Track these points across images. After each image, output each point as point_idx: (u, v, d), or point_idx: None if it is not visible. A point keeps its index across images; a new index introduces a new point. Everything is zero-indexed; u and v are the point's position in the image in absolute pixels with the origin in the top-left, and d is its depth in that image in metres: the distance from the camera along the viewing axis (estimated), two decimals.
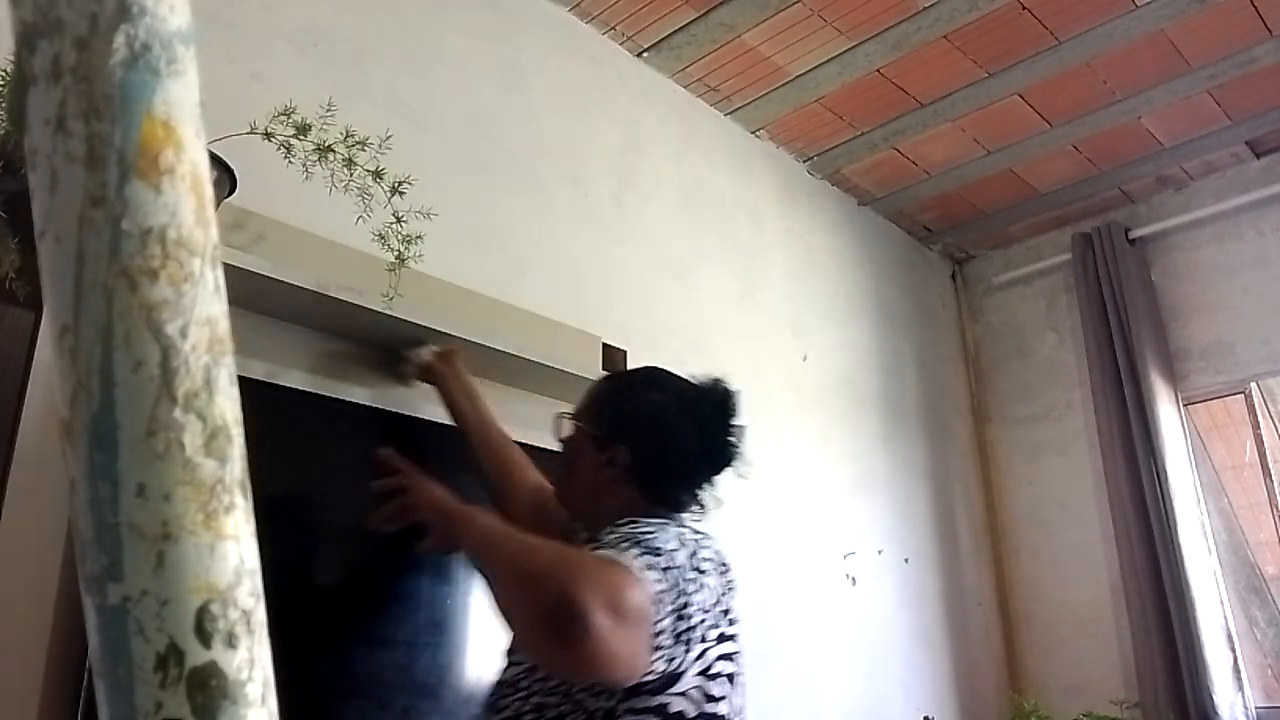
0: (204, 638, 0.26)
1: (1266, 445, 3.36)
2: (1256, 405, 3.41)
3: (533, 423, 2.14)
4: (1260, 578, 3.37)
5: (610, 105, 2.75)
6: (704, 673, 1.09)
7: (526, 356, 1.98)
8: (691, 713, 1.07)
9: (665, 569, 1.03)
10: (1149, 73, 3.01)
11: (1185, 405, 3.45)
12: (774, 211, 3.24)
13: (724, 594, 1.15)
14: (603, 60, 2.77)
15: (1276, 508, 3.28)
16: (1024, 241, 4.00)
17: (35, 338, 1.43)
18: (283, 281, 1.59)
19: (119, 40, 0.27)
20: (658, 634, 1.00)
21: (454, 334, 1.84)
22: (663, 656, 1.02)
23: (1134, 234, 3.63)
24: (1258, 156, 3.48)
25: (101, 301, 0.26)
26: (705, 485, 1.36)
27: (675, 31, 2.76)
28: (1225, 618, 3.16)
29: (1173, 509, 3.19)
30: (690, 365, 2.67)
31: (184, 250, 0.27)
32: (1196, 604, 3.10)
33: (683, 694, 1.07)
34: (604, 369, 2.31)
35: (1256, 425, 3.39)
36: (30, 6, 0.27)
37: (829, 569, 2.94)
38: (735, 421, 1.37)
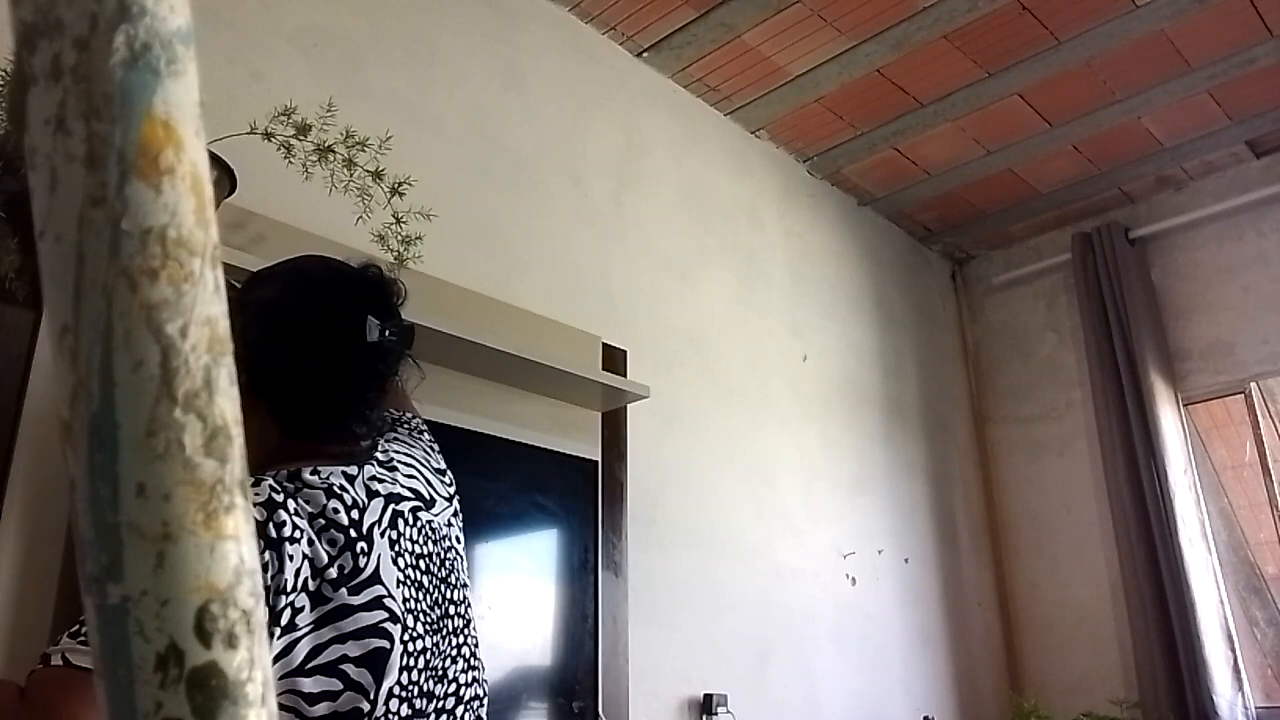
0: (204, 638, 0.26)
1: (1266, 445, 3.36)
2: (1256, 405, 3.41)
3: (533, 422, 2.15)
4: (1260, 578, 3.37)
5: (610, 105, 2.75)
6: (299, 670, 0.88)
7: (526, 356, 1.98)
8: None
9: None
10: (1149, 73, 3.01)
11: (1185, 405, 3.45)
12: (774, 211, 3.25)
13: (342, 555, 0.92)
14: (603, 60, 2.77)
15: (1276, 508, 3.28)
16: (1024, 241, 4.00)
17: (35, 338, 1.44)
18: None
19: (119, 40, 0.27)
20: None
21: (454, 334, 1.84)
22: None
23: (1134, 234, 3.63)
24: (1258, 156, 3.48)
25: (101, 301, 0.26)
26: (356, 406, 1.05)
27: (675, 31, 2.76)
28: (1225, 618, 3.16)
29: (1173, 509, 3.19)
30: (690, 365, 2.69)
31: (184, 250, 0.27)
32: (1196, 604, 3.10)
33: (280, 705, 0.86)
34: (604, 369, 2.31)
35: (1256, 425, 3.39)
36: (30, 6, 0.27)
37: (829, 569, 2.94)
38: (385, 322, 1.06)
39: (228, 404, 0.28)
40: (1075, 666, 3.45)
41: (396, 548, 0.99)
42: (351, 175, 1.62)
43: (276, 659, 0.87)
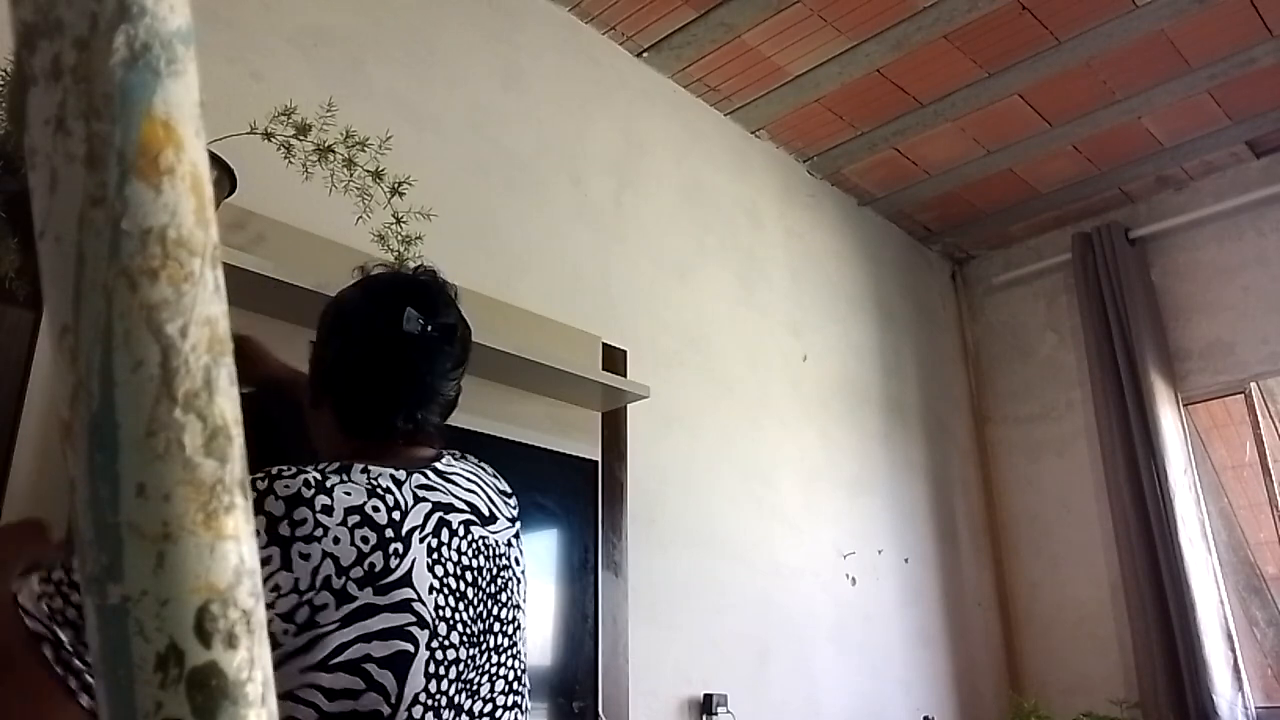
0: (204, 638, 0.26)
1: (1266, 445, 3.36)
2: (1256, 405, 3.41)
3: (533, 422, 2.15)
4: (1260, 578, 3.37)
5: (610, 105, 2.75)
6: (321, 665, 0.89)
7: (526, 356, 1.98)
8: (308, 717, 0.88)
9: None
10: (1149, 73, 3.01)
11: (1185, 405, 3.45)
12: (774, 211, 3.25)
13: (373, 554, 0.92)
14: (603, 60, 2.77)
15: (1276, 508, 3.28)
16: (1024, 241, 4.00)
17: (35, 338, 1.44)
18: (283, 281, 1.59)
19: (119, 40, 0.27)
20: None
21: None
22: None
23: (1134, 234, 3.63)
24: (1258, 156, 3.48)
25: (101, 301, 0.26)
26: (406, 400, 1.08)
27: (675, 31, 2.76)
28: (1225, 618, 3.16)
29: (1173, 509, 3.19)
30: (690, 365, 2.69)
31: (184, 250, 0.27)
32: (1196, 604, 3.10)
33: (287, 695, 0.88)
34: (604, 369, 2.31)
35: (1256, 425, 3.39)
36: (30, 6, 0.27)
37: (829, 569, 2.94)
38: (422, 313, 1.09)
39: (228, 404, 0.28)
40: (1075, 666, 3.45)
41: (436, 555, 0.99)
42: (351, 175, 1.62)
43: (296, 654, 0.88)
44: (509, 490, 1.21)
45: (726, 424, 2.76)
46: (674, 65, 2.91)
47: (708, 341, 2.79)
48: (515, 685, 1.07)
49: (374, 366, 1.07)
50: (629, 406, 2.37)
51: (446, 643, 0.96)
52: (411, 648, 0.93)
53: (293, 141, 1.57)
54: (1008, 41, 2.85)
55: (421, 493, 1.01)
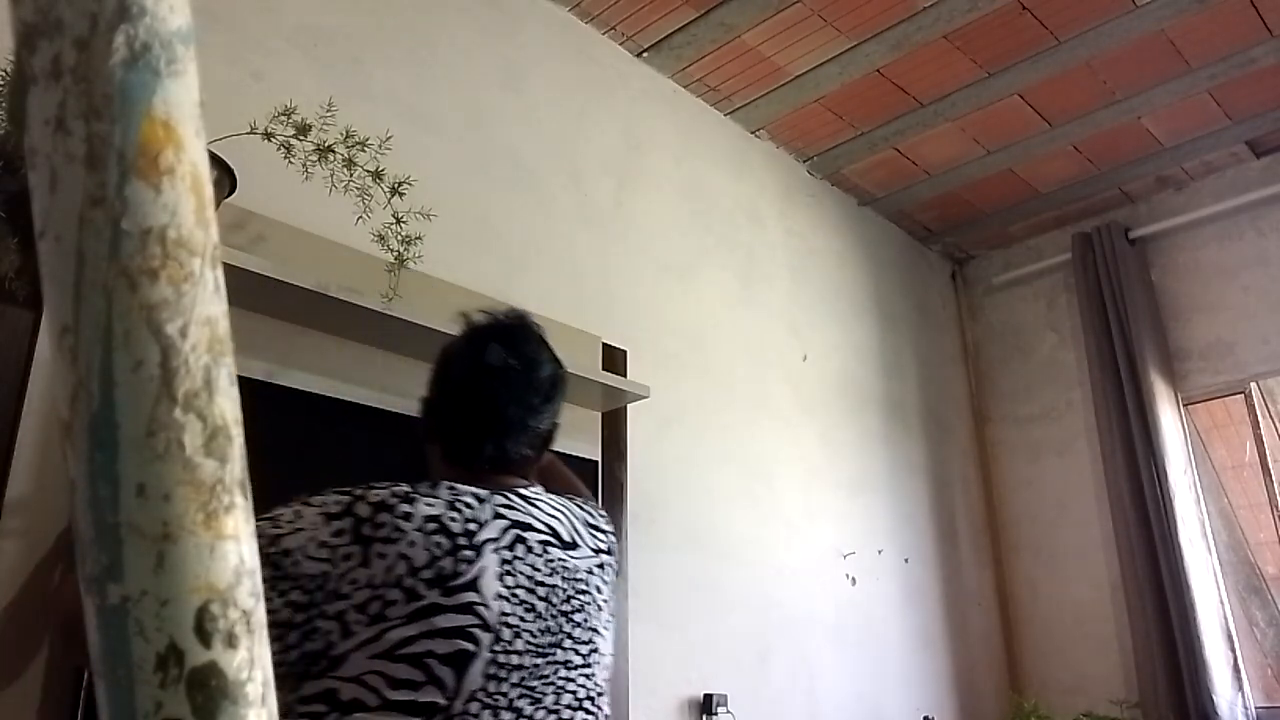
0: (204, 638, 0.26)
1: (1266, 445, 3.36)
2: (1256, 405, 3.41)
3: None
4: (1260, 578, 3.37)
5: (610, 105, 2.75)
6: (387, 654, 0.96)
7: None
8: (371, 701, 0.95)
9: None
10: (1149, 73, 3.01)
11: (1185, 405, 3.45)
12: (774, 211, 3.25)
13: (444, 559, 1.00)
14: (603, 60, 2.77)
15: (1276, 508, 3.28)
16: (1024, 241, 4.00)
17: (35, 338, 1.44)
18: (283, 281, 1.59)
19: (119, 40, 0.27)
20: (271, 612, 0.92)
21: (454, 334, 1.84)
22: (291, 636, 0.94)
23: (1134, 234, 3.63)
24: (1258, 156, 3.48)
25: (101, 301, 0.26)
26: (496, 431, 1.18)
27: (675, 31, 2.76)
28: (1225, 618, 3.16)
29: (1173, 509, 3.19)
30: (690, 365, 2.69)
31: (184, 250, 0.27)
32: (1196, 604, 3.10)
33: (355, 679, 0.95)
34: (604, 369, 2.31)
35: (1256, 425, 3.39)
36: (30, 6, 0.27)
37: (829, 569, 2.94)
38: (507, 350, 1.20)
39: (228, 404, 0.28)
40: (1075, 666, 3.45)
41: (509, 566, 1.06)
42: (351, 175, 1.62)
43: (366, 643, 0.96)
44: (603, 526, 1.28)
45: (726, 424, 2.75)
46: (674, 65, 2.91)
47: (708, 341, 2.79)
48: (587, 705, 1.12)
49: (464, 399, 1.20)
50: (629, 406, 2.37)
51: (510, 648, 1.03)
52: (472, 647, 1.00)
53: (293, 141, 1.57)
54: (1008, 41, 2.85)
55: (502, 510, 1.10)
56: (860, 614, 2.99)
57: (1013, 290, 4.01)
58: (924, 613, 3.27)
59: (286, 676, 0.96)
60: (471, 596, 1.01)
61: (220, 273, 0.28)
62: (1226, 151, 3.45)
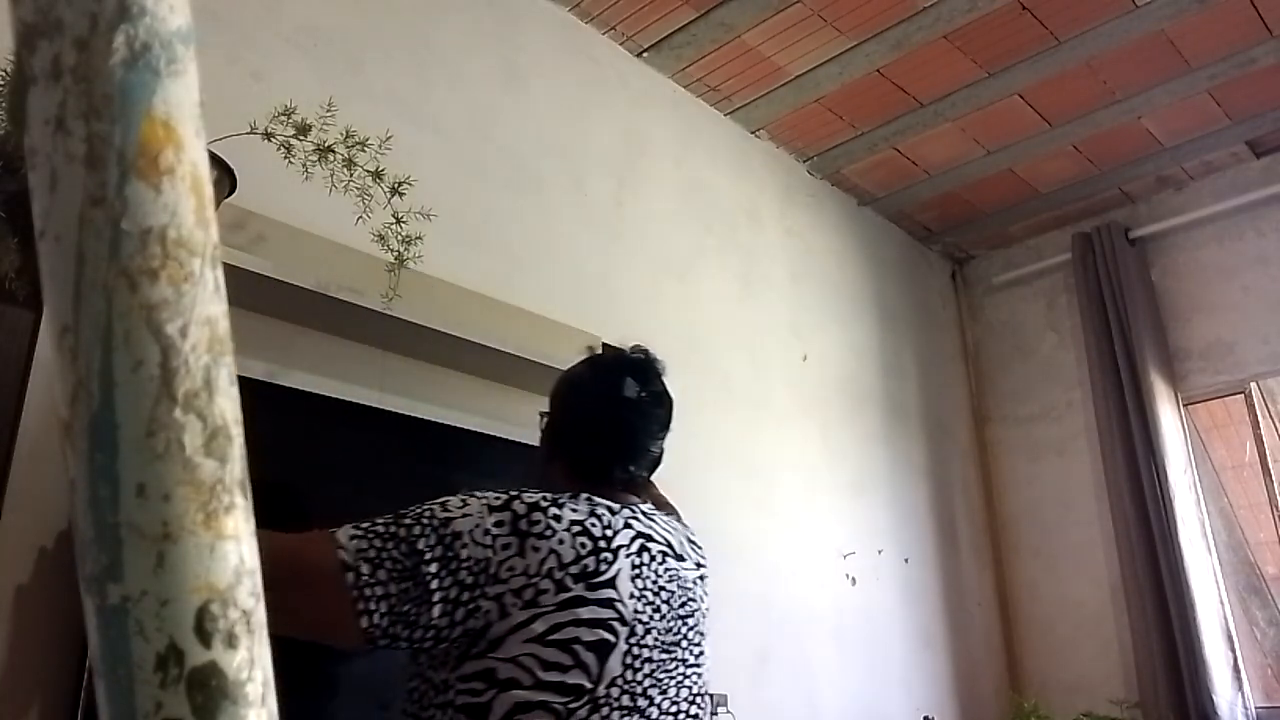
0: (204, 638, 0.26)
1: (1266, 445, 3.36)
2: (1256, 405, 3.41)
3: (532, 422, 2.14)
4: (1260, 578, 3.37)
5: (610, 105, 2.75)
6: (539, 638, 1.05)
7: (526, 356, 1.98)
8: (526, 680, 1.04)
9: (408, 532, 1.04)
10: (1149, 73, 3.01)
11: (1185, 405, 3.45)
12: (774, 211, 3.25)
13: (588, 557, 1.11)
14: (603, 60, 2.77)
15: (1276, 508, 3.28)
16: (1024, 241, 4.00)
17: (35, 338, 1.43)
18: (283, 281, 1.59)
19: (119, 40, 0.27)
20: (433, 590, 1.02)
21: (454, 334, 1.84)
22: (458, 613, 1.03)
23: (1134, 234, 3.63)
24: (1258, 156, 3.48)
25: (101, 301, 0.26)
26: (625, 456, 1.31)
27: (675, 31, 2.76)
28: (1225, 618, 3.16)
29: (1173, 509, 3.19)
30: (690, 365, 2.69)
31: (184, 250, 0.27)
32: (1196, 604, 3.10)
33: (511, 660, 1.05)
34: None
35: (1256, 425, 3.39)
36: (30, 6, 0.27)
37: (829, 569, 2.94)
38: (641, 385, 1.34)
39: (228, 404, 0.28)
40: (1075, 666, 3.45)
41: (638, 570, 1.17)
42: (351, 175, 1.62)
43: (520, 627, 1.06)
44: (699, 542, 1.41)
45: (726, 424, 2.75)
46: (674, 65, 2.91)
47: (708, 341, 2.79)
48: (698, 701, 1.23)
49: (599, 427, 1.31)
50: None
51: (642, 643, 1.14)
52: (612, 638, 1.10)
53: (293, 141, 1.57)
54: (1008, 41, 2.85)
55: (630, 522, 1.21)
56: (860, 614, 2.99)
57: (1013, 290, 4.01)
58: (924, 613, 3.27)
59: (448, 654, 1.07)
60: (610, 593, 1.12)
61: (220, 273, 0.28)
62: (1226, 151, 3.45)
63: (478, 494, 1.13)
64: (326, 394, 1.72)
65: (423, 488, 1.81)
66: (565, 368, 1.47)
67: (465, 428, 1.95)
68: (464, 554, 1.05)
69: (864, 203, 3.69)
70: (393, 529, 1.05)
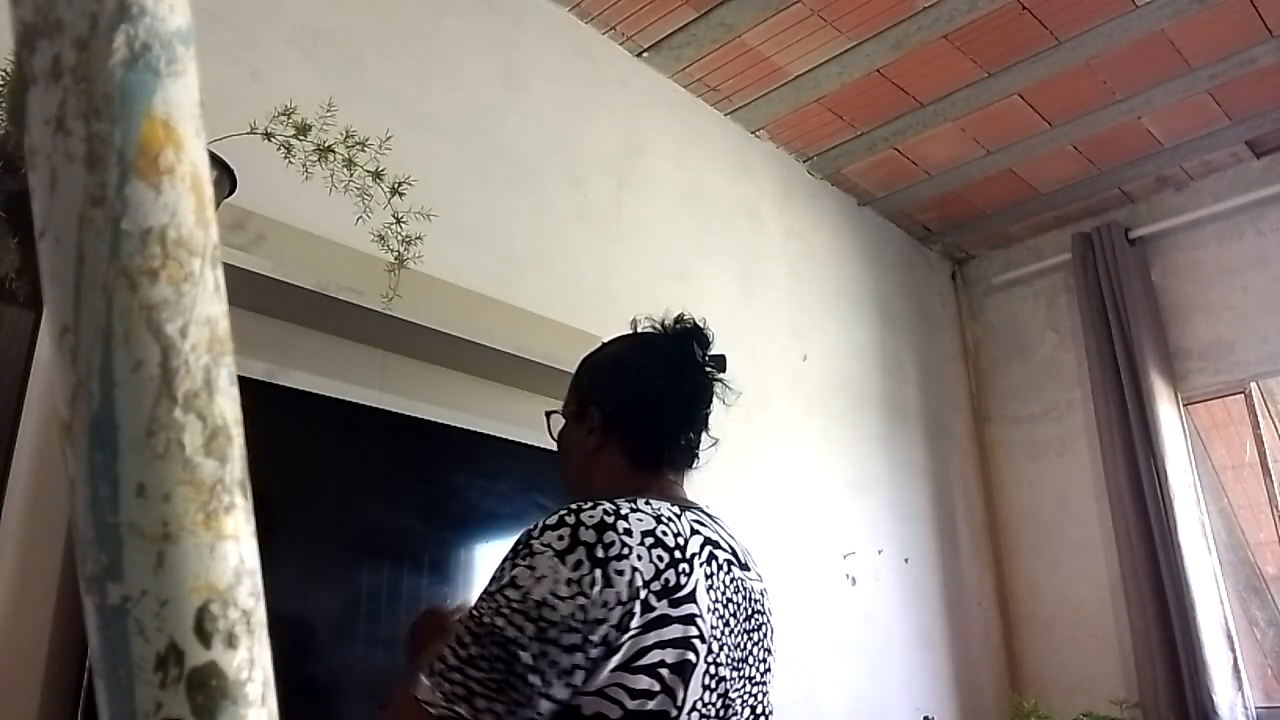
0: (204, 638, 0.26)
1: (1266, 445, 3.36)
2: (1256, 405, 3.41)
3: (532, 421, 2.15)
4: (1260, 578, 3.37)
5: (610, 105, 2.75)
6: (625, 665, 0.97)
7: (526, 356, 1.98)
8: (614, 714, 0.96)
9: (489, 635, 0.94)
10: (1149, 73, 3.01)
11: (1185, 405, 3.45)
12: (774, 211, 3.25)
13: (665, 571, 1.02)
14: (603, 60, 2.77)
15: (1276, 508, 3.28)
16: (1024, 241, 4.00)
17: (35, 338, 1.43)
18: (283, 281, 1.59)
19: (119, 40, 0.27)
20: (541, 672, 0.94)
21: (454, 334, 1.84)
22: (576, 675, 0.95)
23: (1134, 234, 3.63)
24: (1258, 156, 3.48)
25: (101, 301, 0.26)
26: (689, 428, 1.24)
27: (675, 31, 2.76)
28: (1225, 618, 3.16)
29: (1173, 509, 3.19)
30: None
31: (184, 250, 0.27)
32: (1196, 604, 3.10)
33: (597, 693, 0.97)
34: None
35: (1256, 425, 3.39)
36: (30, 6, 0.27)
37: (829, 569, 2.94)
38: (704, 350, 1.27)
39: (228, 404, 0.28)
40: (1075, 666, 3.45)
41: (710, 581, 1.09)
42: (351, 175, 1.62)
43: (607, 658, 0.97)
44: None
45: (726, 424, 2.75)
46: (674, 65, 2.91)
47: None
48: None
49: (674, 404, 1.23)
50: None
51: (717, 660, 1.06)
52: (694, 657, 1.02)
53: (293, 141, 1.57)
54: (1008, 41, 2.85)
55: (696, 526, 1.12)
56: (860, 614, 2.99)
57: (1013, 290, 4.01)
58: (924, 613, 3.27)
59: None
60: (691, 608, 1.03)
61: (220, 273, 0.28)
62: (1226, 151, 3.45)
63: (537, 546, 1.01)
64: (326, 394, 1.72)
65: (423, 488, 1.82)
66: (566, 367, 1.41)
67: (465, 428, 1.95)
68: (556, 618, 0.95)
69: (864, 203, 3.69)
70: (468, 647, 0.95)
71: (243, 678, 0.26)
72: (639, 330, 1.32)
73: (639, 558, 1.00)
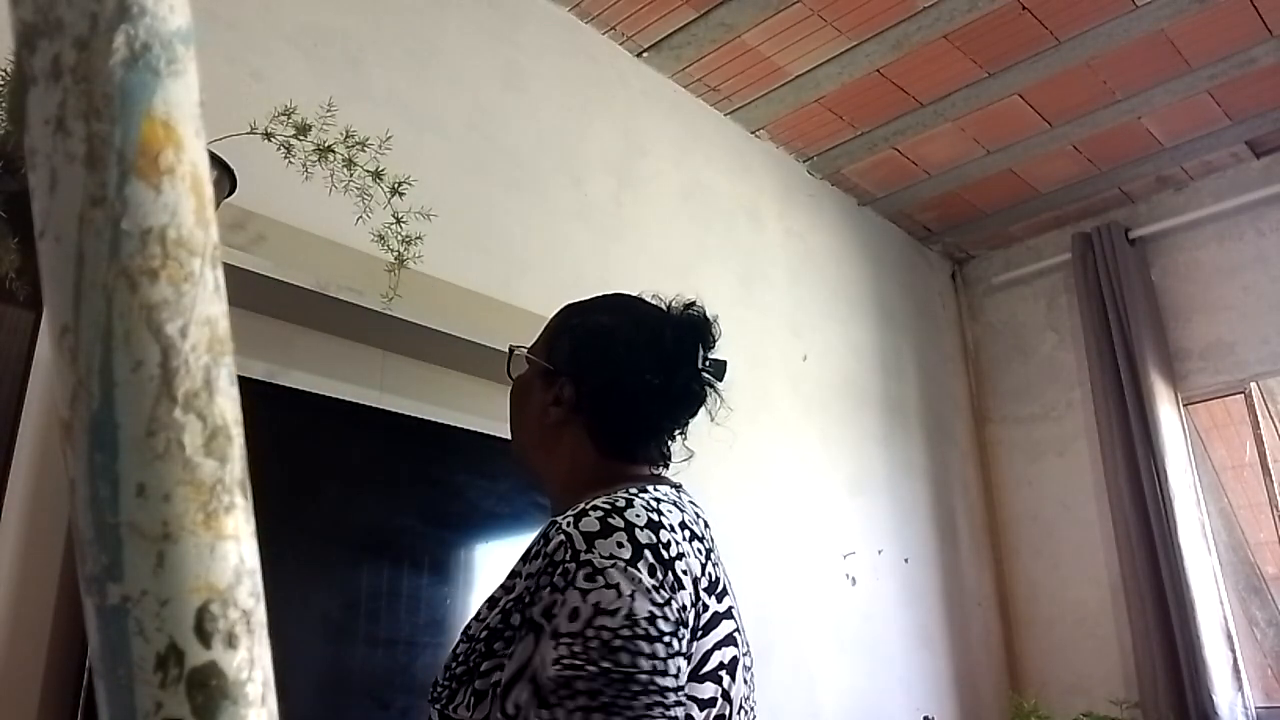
0: (204, 638, 0.26)
1: (1266, 445, 3.36)
2: (1256, 405, 3.41)
3: None
4: (1260, 578, 3.37)
5: (610, 105, 2.75)
6: (693, 674, 0.87)
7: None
8: None
9: (602, 670, 0.78)
10: (1149, 73, 3.01)
11: (1185, 405, 3.45)
12: (774, 211, 3.25)
13: (706, 565, 0.93)
14: (603, 60, 2.77)
15: (1276, 508, 3.28)
16: (1024, 241, 4.00)
17: (35, 338, 1.44)
18: (283, 281, 1.59)
19: (119, 40, 0.27)
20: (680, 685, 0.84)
21: (454, 334, 1.84)
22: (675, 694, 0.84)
23: (1134, 234, 3.63)
24: (1258, 156, 3.48)
25: (101, 301, 0.26)
26: (668, 431, 1.10)
27: (675, 31, 2.76)
28: (1225, 618, 3.16)
29: (1173, 509, 3.19)
30: None
31: (184, 250, 0.27)
32: (1196, 604, 3.10)
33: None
34: None
35: (1256, 425, 3.39)
36: (30, 6, 0.27)
37: (829, 569, 2.94)
38: (705, 351, 1.12)
39: (228, 404, 0.28)
40: (1075, 666, 3.45)
41: (720, 566, 1.00)
42: (351, 175, 1.62)
43: (688, 668, 0.86)
44: None
45: (727, 424, 2.75)
46: (674, 65, 2.91)
47: None
48: (754, 710, 1.06)
49: (659, 404, 1.08)
50: None
51: (746, 651, 0.98)
52: (738, 653, 0.94)
53: (293, 141, 1.57)
54: (1008, 41, 2.85)
55: (698, 513, 1.03)
56: (860, 614, 2.99)
57: (1013, 290, 4.01)
58: (924, 613, 3.27)
59: None
60: (729, 601, 0.95)
61: (220, 273, 0.28)
62: (1226, 151, 3.45)
63: (595, 559, 0.84)
64: (326, 394, 1.72)
65: (423, 488, 1.82)
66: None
67: (465, 428, 1.95)
68: (670, 627, 0.83)
69: (864, 203, 3.69)
70: (593, 713, 0.77)
71: (243, 678, 0.26)
72: (642, 301, 1.16)
73: (689, 555, 0.91)
